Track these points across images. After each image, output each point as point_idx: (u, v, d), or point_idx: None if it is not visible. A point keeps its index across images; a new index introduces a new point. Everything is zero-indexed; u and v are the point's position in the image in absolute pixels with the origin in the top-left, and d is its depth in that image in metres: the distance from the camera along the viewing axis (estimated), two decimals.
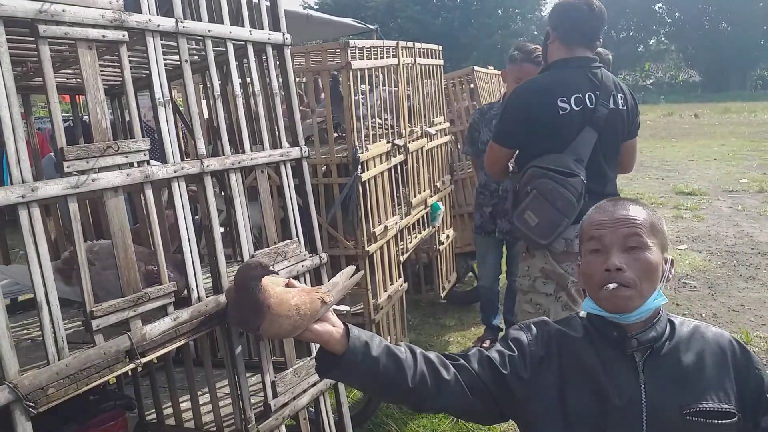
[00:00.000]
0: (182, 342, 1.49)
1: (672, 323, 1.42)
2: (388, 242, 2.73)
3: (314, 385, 1.89)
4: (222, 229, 2.00)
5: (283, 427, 1.76)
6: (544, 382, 1.41)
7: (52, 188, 1.29)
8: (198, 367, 2.12)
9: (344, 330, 1.35)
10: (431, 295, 3.86)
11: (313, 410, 2.16)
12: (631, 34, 39.98)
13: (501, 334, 4.21)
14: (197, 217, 2.31)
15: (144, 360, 1.39)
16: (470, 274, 4.96)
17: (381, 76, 3.05)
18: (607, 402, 1.39)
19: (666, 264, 1.41)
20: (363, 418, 3.18)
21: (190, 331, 1.51)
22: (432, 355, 1.42)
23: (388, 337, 2.92)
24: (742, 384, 1.35)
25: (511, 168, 2.85)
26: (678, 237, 6.52)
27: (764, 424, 1.34)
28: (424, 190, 3.45)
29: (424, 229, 3.47)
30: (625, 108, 2.58)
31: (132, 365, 1.37)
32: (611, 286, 1.33)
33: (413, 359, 1.37)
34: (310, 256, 1.98)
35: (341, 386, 2.16)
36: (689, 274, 5.33)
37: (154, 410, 1.91)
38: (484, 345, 4.09)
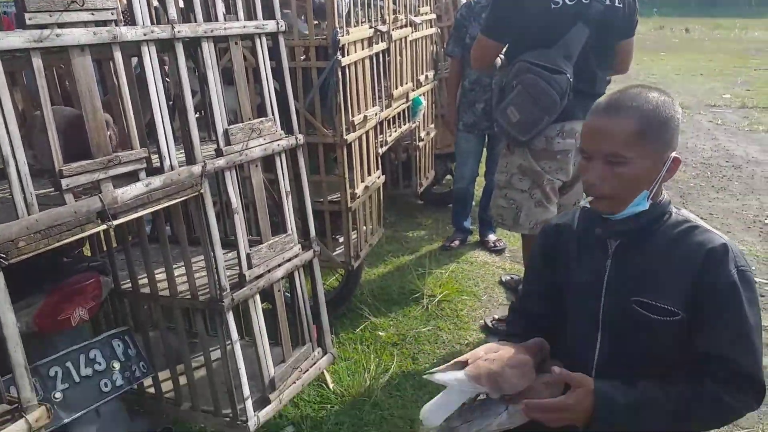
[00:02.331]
0: (156, 208, 1.49)
1: (668, 219, 1.42)
2: (367, 133, 2.70)
3: (289, 260, 1.93)
4: (197, 115, 1.95)
5: (258, 297, 1.81)
6: (558, 273, 1.58)
7: (14, 40, 1.23)
8: (173, 244, 2.14)
9: None
10: (408, 191, 3.88)
11: (289, 294, 2.22)
12: None
13: (471, 236, 4.31)
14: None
15: (116, 222, 1.39)
16: (448, 176, 4.98)
17: None
18: (573, 277, 1.52)
19: (665, 164, 1.36)
20: (338, 304, 3.28)
21: (164, 198, 1.51)
22: None
23: (364, 227, 2.96)
24: (699, 288, 1.34)
25: (500, 62, 2.79)
26: None
27: (697, 341, 1.33)
28: (406, 83, 3.38)
29: (405, 124, 3.43)
30: (621, 6, 2.50)
31: (104, 226, 1.37)
32: (589, 198, 1.40)
33: None
34: (286, 137, 1.96)
35: (317, 270, 2.20)
36: None
37: (129, 281, 1.94)
38: (453, 244, 4.18)
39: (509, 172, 2.91)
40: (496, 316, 3.23)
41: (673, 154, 1.37)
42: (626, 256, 1.44)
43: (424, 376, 1.40)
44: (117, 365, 1.69)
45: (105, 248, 2.08)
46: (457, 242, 4.19)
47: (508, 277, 3.71)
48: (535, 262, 1.67)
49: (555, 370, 1.37)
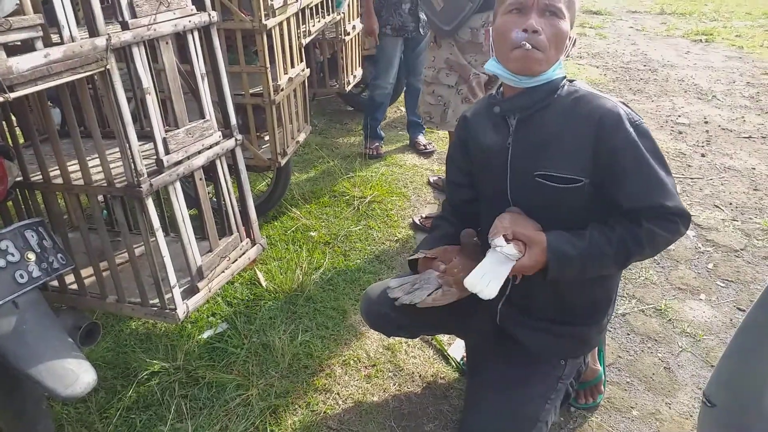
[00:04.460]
0: (58, 81, 1.38)
1: (561, 92, 1.46)
2: (288, 20, 2.58)
3: (210, 147, 1.87)
4: None
5: (178, 185, 1.75)
6: (472, 161, 1.65)
7: None
8: (86, 138, 2.02)
9: None
10: (336, 89, 3.80)
11: (215, 200, 2.16)
12: None
13: (399, 141, 4.31)
14: None
15: (14, 95, 1.28)
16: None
17: None
18: (487, 159, 1.58)
19: (570, 40, 1.45)
20: (266, 208, 3.26)
21: (66, 71, 1.40)
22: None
23: (290, 125, 2.90)
24: (601, 152, 1.40)
25: None
26: (579, 53, 6.69)
27: (620, 201, 1.41)
28: None
29: (329, 14, 3.30)
30: None
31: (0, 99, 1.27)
32: (528, 45, 1.37)
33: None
34: (198, 14, 1.84)
35: (240, 161, 2.15)
36: None
37: (39, 173, 1.83)
38: (378, 151, 4.19)
39: (437, 66, 2.90)
40: (424, 214, 3.30)
41: (575, 36, 1.46)
42: (526, 133, 1.49)
43: (493, 246, 1.47)
44: (32, 256, 1.61)
45: (11, 144, 1.94)
46: (379, 147, 4.21)
47: (436, 177, 3.78)
48: (453, 153, 1.72)
49: (508, 235, 1.47)
